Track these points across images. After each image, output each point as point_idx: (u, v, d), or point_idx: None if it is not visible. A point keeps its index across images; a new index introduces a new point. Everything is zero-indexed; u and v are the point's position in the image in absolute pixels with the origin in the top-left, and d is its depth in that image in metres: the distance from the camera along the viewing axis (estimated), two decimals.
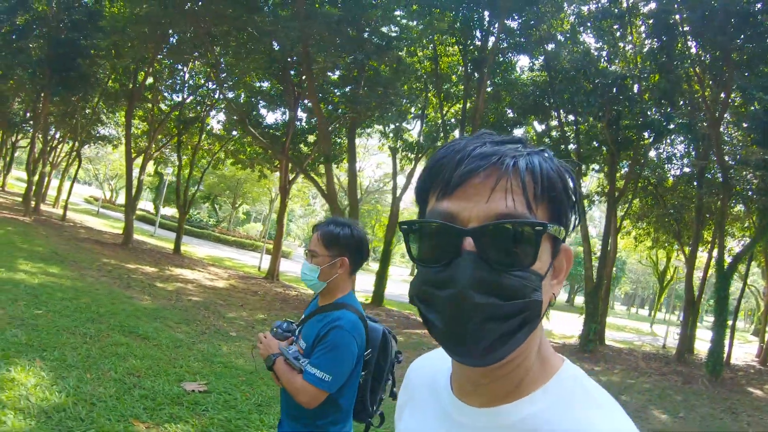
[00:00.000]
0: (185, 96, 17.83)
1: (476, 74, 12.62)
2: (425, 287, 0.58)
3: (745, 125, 10.26)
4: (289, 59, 12.44)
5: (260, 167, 19.90)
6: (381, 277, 14.39)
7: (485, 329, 0.55)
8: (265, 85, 16.68)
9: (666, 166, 14.98)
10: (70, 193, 21.33)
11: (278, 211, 16.83)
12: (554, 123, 13.77)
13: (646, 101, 11.05)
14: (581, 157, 12.58)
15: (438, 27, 11.27)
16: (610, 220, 13.05)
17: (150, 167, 29.37)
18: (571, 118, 12.52)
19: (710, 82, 10.72)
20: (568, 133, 12.76)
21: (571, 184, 0.61)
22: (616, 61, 11.33)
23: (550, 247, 0.59)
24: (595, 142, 13.39)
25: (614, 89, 10.47)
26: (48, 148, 18.14)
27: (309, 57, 10.83)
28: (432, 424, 0.70)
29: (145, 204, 38.36)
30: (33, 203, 18.45)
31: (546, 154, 0.60)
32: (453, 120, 14.55)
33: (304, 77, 14.43)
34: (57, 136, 21.79)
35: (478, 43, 12.98)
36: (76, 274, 8.98)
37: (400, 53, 11.04)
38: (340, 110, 13.00)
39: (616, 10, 11.57)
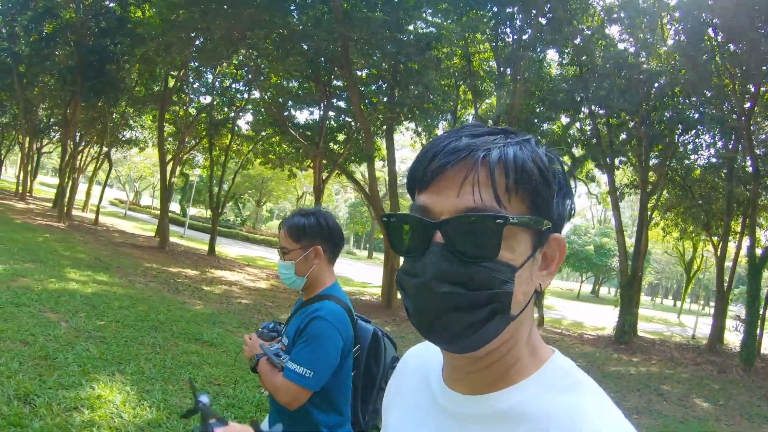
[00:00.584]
0: (213, 98, 18.38)
1: (508, 70, 13.02)
2: (402, 275, 0.62)
3: None
4: (323, 60, 12.88)
5: (289, 166, 20.53)
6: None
7: (450, 318, 0.57)
8: (292, 84, 17.15)
9: (692, 156, 15.25)
10: (101, 198, 22.12)
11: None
12: (582, 117, 14.11)
13: (677, 95, 11.39)
14: (614, 151, 12.93)
15: (472, 26, 11.66)
16: (643, 213, 13.40)
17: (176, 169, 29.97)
18: (601, 112, 12.84)
19: (739, 75, 10.99)
20: (600, 128, 13.10)
21: (552, 173, 0.60)
22: (646, 55, 11.60)
23: (530, 238, 0.60)
24: (623, 135, 13.71)
25: (648, 86, 10.83)
26: (77, 153, 18.75)
27: (349, 59, 11.26)
28: (420, 411, 0.72)
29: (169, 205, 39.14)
30: (65, 209, 19.21)
31: (527, 144, 0.61)
32: (484, 116, 14.93)
33: (333, 77, 14.99)
34: (82, 141, 22.49)
35: (509, 39, 13.38)
36: (125, 281, 9.27)
37: (437, 53, 11.42)
38: (379, 110, 13.42)
39: (644, 4, 11.91)
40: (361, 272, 25.77)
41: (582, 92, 12.23)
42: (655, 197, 15.44)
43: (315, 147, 15.53)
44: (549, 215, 0.61)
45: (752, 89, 11.00)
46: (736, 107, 10.94)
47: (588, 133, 13.83)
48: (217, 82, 18.78)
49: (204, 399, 1.37)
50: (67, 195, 18.91)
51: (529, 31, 12.76)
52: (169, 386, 4.41)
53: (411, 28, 11.30)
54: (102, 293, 7.60)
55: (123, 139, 22.33)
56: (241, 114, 18.71)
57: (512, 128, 0.64)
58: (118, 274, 9.89)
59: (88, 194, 26.15)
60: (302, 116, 38.30)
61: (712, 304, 33.78)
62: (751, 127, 11.97)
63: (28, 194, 25.67)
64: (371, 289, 17.71)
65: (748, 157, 12.12)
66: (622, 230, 13.75)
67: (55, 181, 50.83)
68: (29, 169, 25.58)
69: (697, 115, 10.39)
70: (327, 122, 16.59)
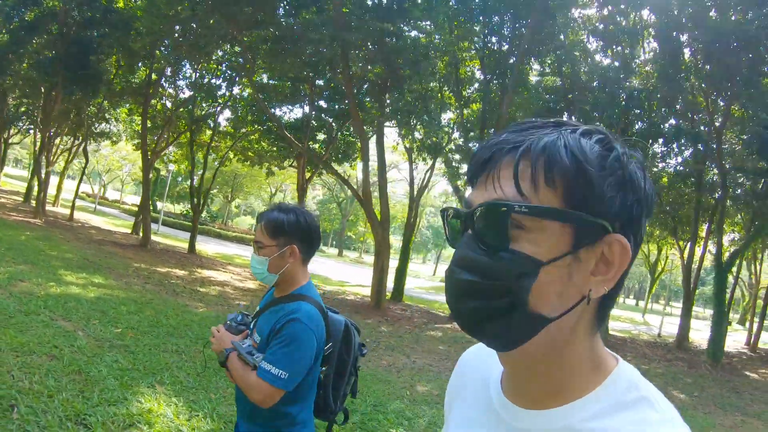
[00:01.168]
0: (195, 94, 18.34)
1: (495, 80, 13.71)
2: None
3: (744, 137, 11.66)
4: (317, 62, 13.22)
5: (268, 164, 20.73)
6: (401, 273, 15.47)
7: (467, 305, 0.59)
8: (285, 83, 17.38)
9: (660, 164, 16.37)
10: (76, 193, 21.64)
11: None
12: None
13: (654, 110, 12.37)
14: None
15: (463, 36, 12.27)
16: None
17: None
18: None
19: (714, 94, 12.04)
20: None
21: (598, 165, 0.56)
22: (626, 71, 12.53)
23: (568, 233, 0.57)
24: None
25: (628, 100, 11.74)
26: (51, 146, 18.37)
27: (348, 64, 11.65)
28: (480, 418, 0.71)
29: (131, 198, 38.41)
30: (34, 203, 18.77)
31: (572, 134, 0.58)
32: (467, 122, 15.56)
33: (317, 77, 15.32)
34: (55, 133, 21.98)
35: (495, 48, 14.09)
36: (122, 283, 9.31)
37: (431, 61, 11.96)
38: (373, 115, 13.87)
39: (623, 22, 12.83)
40: (334, 270, 26.12)
41: (563, 103, 13.05)
42: None
43: (300, 146, 15.81)
44: (597, 211, 0.56)
45: (723, 106, 12.05)
46: (706, 120, 12.00)
47: None
48: (197, 78, 18.76)
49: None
50: (41, 191, 18.48)
51: (517, 42, 13.45)
52: (211, 395, 4.48)
53: (411, 38, 11.76)
54: (105, 297, 7.66)
55: (96, 131, 21.87)
56: (220, 111, 18.74)
57: (568, 120, 0.62)
58: (112, 275, 9.91)
59: (59, 188, 25.47)
60: (285, 115, 38.54)
61: (674, 303, 36.20)
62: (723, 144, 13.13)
63: None
64: (352, 288, 18.14)
65: (712, 165, 13.29)
66: None
67: (19, 172, 48.73)
68: None
69: (673, 130, 11.31)
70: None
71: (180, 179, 32.98)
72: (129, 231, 20.61)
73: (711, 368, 11.36)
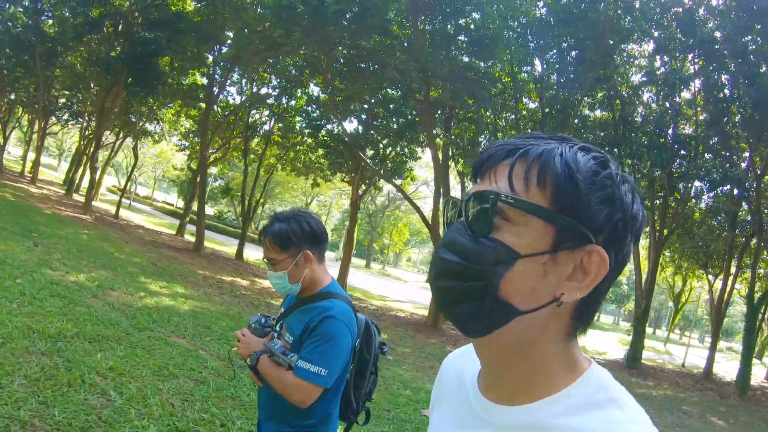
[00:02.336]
0: (247, 102, 19.58)
1: (550, 111, 15.12)
2: None
3: None
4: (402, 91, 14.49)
5: (314, 175, 22.10)
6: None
7: (444, 284, 0.65)
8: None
9: (693, 200, 17.65)
10: (123, 192, 23.00)
11: (349, 225, 18.99)
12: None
13: (701, 154, 13.75)
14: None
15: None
16: (657, 255, 15.66)
17: (179, 161, 31.29)
18: (629, 161, 15.08)
19: (754, 141, 13.43)
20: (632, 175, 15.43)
21: (589, 178, 0.62)
22: (678, 119, 13.93)
23: (550, 233, 0.62)
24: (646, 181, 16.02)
25: (679, 144, 13.15)
26: (96, 142, 19.63)
27: (429, 95, 12.94)
28: (457, 416, 0.76)
29: (159, 195, 39.76)
30: (83, 199, 19.94)
31: (571, 148, 0.64)
32: None
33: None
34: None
35: (552, 81, 15.49)
36: (201, 294, 9.91)
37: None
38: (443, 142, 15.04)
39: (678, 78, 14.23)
40: (367, 283, 27.24)
41: (624, 145, 14.39)
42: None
43: (365, 160, 16.89)
44: (581, 220, 0.61)
45: (766, 152, 13.45)
46: (751, 169, 13.45)
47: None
48: (250, 86, 20.08)
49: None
50: (95, 188, 19.72)
51: (577, 82, 14.77)
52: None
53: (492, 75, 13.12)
54: (198, 311, 8.14)
55: (146, 130, 23.29)
56: (277, 120, 19.98)
57: (572, 138, 0.67)
58: (189, 284, 10.58)
59: (99, 183, 26.84)
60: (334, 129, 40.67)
61: (690, 334, 37.87)
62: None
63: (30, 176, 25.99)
64: (394, 304, 19.32)
65: (747, 206, 14.62)
66: (639, 268, 15.98)
67: (45, 160, 50.09)
68: (39, 151, 25.98)
69: (719, 174, 12.63)
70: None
71: (211, 180, 34.40)
72: (173, 232, 21.83)
73: (739, 399, 12.63)
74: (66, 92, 24.43)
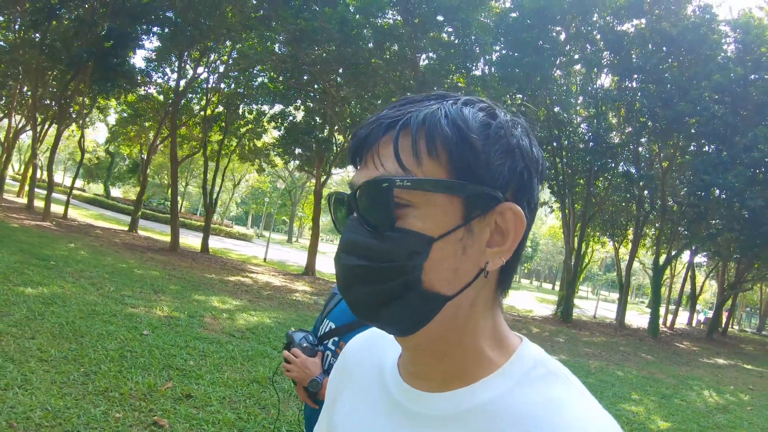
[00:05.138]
0: (209, 96, 21.11)
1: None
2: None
3: (684, 180, 18.65)
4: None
5: (260, 161, 24.33)
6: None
7: (360, 291, 0.62)
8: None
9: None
10: (72, 189, 23.01)
11: (314, 213, 21.65)
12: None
13: (623, 158, 18.92)
14: (566, 187, 20.12)
15: None
16: (584, 231, 20.82)
17: (94, 146, 31.39)
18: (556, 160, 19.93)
19: (660, 145, 18.84)
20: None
21: (482, 133, 0.60)
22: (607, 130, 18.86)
23: (457, 205, 0.60)
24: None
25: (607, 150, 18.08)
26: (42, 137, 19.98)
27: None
28: (377, 412, 0.72)
29: (66, 181, 37.99)
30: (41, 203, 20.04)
31: (454, 105, 0.62)
32: None
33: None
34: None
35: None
36: (248, 303, 11.34)
37: None
38: None
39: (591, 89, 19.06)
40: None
41: (556, 148, 19.02)
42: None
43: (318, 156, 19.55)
44: (484, 180, 0.60)
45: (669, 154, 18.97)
46: (657, 167, 18.91)
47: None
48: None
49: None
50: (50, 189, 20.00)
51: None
52: None
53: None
54: (282, 322, 9.46)
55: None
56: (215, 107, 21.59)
57: (452, 93, 0.65)
58: (226, 294, 11.97)
59: (24, 178, 25.96)
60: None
61: (582, 288, 47.03)
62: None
63: None
64: None
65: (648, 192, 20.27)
66: (571, 237, 21.03)
67: None
68: None
69: (636, 176, 17.97)
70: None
71: (118, 160, 34.15)
72: (125, 228, 22.71)
73: (653, 340, 18.18)
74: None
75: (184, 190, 41.68)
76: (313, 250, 21.10)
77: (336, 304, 2.05)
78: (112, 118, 27.65)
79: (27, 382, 4.47)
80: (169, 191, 44.06)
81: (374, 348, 0.81)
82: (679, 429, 7.28)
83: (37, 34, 17.68)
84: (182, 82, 20.03)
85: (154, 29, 18.78)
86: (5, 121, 23.69)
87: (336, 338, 1.92)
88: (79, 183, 39.05)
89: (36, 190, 21.52)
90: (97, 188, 39.09)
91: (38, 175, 28.12)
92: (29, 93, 23.35)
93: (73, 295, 7.93)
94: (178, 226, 19.49)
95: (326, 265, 25.68)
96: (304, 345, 1.90)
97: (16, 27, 19.03)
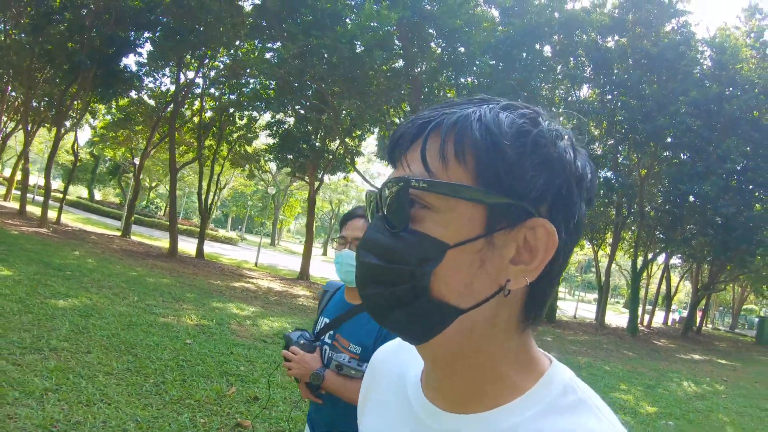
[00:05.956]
0: (202, 104, 21.91)
1: None
2: None
3: (661, 188, 20.23)
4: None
5: (251, 166, 25.21)
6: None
7: (371, 291, 0.62)
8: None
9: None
10: (65, 194, 23.45)
11: (308, 219, 22.60)
12: None
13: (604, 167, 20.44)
14: None
15: None
16: None
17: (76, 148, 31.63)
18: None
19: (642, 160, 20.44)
20: None
21: (517, 140, 0.58)
22: (587, 139, 20.25)
23: (480, 214, 0.59)
24: None
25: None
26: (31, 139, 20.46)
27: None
28: (398, 424, 0.73)
29: (37, 181, 38.06)
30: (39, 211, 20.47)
31: (491, 109, 0.61)
32: None
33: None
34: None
35: None
36: (261, 309, 12.11)
37: None
38: None
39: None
40: (320, 269, 30.87)
41: None
42: None
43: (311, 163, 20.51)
44: (514, 191, 0.58)
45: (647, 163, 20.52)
46: (635, 176, 20.50)
47: None
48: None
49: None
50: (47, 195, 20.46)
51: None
52: None
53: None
54: (296, 328, 11.53)
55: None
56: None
57: (496, 98, 0.65)
58: (241, 300, 12.75)
59: (11, 181, 26.20)
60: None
61: (579, 293, 49.17)
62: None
63: None
64: None
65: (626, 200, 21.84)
66: None
67: None
68: None
69: (617, 185, 19.55)
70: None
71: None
72: (115, 233, 23.30)
73: (632, 339, 19.70)
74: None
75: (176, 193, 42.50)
76: (307, 255, 22.06)
77: (328, 300, 2.21)
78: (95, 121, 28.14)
79: (105, 396, 4.80)
80: (149, 193, 44.83)
81: (400, 358, 0.82)
82: (665, 412, 8.63)
83: (39, 38, 17.96)
84: (173, 88, 20.87)
85: (148, 35, 19.52)
86: None
87: (331, 332, 2.02)
88: (55, 185, 39.19)
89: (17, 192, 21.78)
90: (76, 191, 39.21)
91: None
92: (19, 96, 23.87)
93: (104, 306, 8.33)
94: (177, 233, 20.22)
95: (318, 270, 26.70)
96: (302, 342, 2.00)
97: (6, 28, 19.46)
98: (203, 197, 22.08)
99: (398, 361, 0.82)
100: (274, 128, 21.49)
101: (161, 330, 7.63)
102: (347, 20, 14.96)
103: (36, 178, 46.83)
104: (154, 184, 39.98)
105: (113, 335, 6.75)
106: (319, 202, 43.16)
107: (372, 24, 13.73)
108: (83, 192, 37.60)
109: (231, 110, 21.83)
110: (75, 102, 20.15)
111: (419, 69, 17.70)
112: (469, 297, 0.60)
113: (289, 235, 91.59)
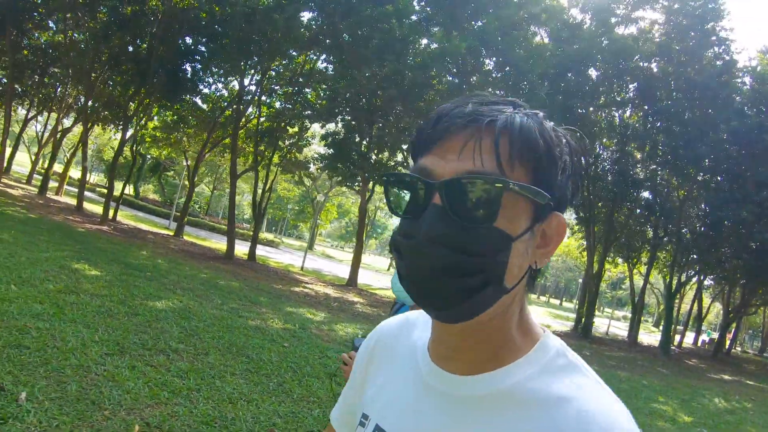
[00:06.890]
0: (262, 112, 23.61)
1: None
2: (398, 237, 0.71)
3: (699, 211, 21.60)
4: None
5: (300, 173, 26.88)
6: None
7: (442, 282, 0.66)
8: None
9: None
10: (122, 193, 25.23)
11: (358, 229, 24.18)
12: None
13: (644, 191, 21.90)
14: (591, 215, 23.00)
15: None
16: (605, 255, 23.62)
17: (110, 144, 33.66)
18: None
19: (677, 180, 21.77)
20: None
21: (559, 149, 0.69)
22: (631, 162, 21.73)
23: (530, 210, 0.68)
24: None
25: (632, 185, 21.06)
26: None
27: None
28: (409, 392, 0.80)
29: (79, 176, 40.41)
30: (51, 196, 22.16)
31: (535, 117, 0.70)
32: None
33: None
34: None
35: None
36: (330, 315, 13.03)
37: None
38: None
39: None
40: (369, 277, 32.39)
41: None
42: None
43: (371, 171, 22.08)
44: (551, 191, 0.68)
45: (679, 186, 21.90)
46: (674, 200, 21.87)
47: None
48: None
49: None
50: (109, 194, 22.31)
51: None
52: None
53: None
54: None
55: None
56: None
57: (521, 101, 0.73)
58: (311, 306, 13.79)
59: (63, 177, 28.23)
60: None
61: (607, 309, 50.15)
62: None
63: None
64: None
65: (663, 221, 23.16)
66: (592, 261, 23.79)
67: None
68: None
69: (658, 208, 20.94)
70: None
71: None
72: (168, 233, 25.01)
73: (665, 357, 20.98)
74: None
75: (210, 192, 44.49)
76: (356, 264, 23.65)
77: (395, 312, 2.23)
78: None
79: (243, 394, 5.21)
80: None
81: (406, 331, 0.90)
82: (700, 422, 10.02)
83: (107, 43, 19.72)
84: (225, 93, 22.51)
85: (212, 45, 21.16)
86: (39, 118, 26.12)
87: None
88: (93, 179, 41.32)
89: (67, 188, 23.43)
90: (119, 187, 41.55)
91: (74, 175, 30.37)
92: (75, 95, 25.87)
93: (195, 309, 8.72)
94: (235, 237, 21.82)
95: (365, 278, 27.89)
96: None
97: (66, 29, 21.27)
98: (257, 201, 23.64)
99: (405, 334, 0.90)
100: (329, 138, 23.02)
101: (256, 333, 8.18)
102: (419, 46, 16.51)
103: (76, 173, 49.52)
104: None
105: (219, 338, 7.24)
106: (354, 209, 44.61)
107: (442, 50, 15.26)
108: (125, 188, 39.78)
109: (287, 119, 23.54)
110: (141, 105, 21.96)
111: (473, 80, 19.05)
112: (516, 278, 0.70)
113: (321, 238, 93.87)
